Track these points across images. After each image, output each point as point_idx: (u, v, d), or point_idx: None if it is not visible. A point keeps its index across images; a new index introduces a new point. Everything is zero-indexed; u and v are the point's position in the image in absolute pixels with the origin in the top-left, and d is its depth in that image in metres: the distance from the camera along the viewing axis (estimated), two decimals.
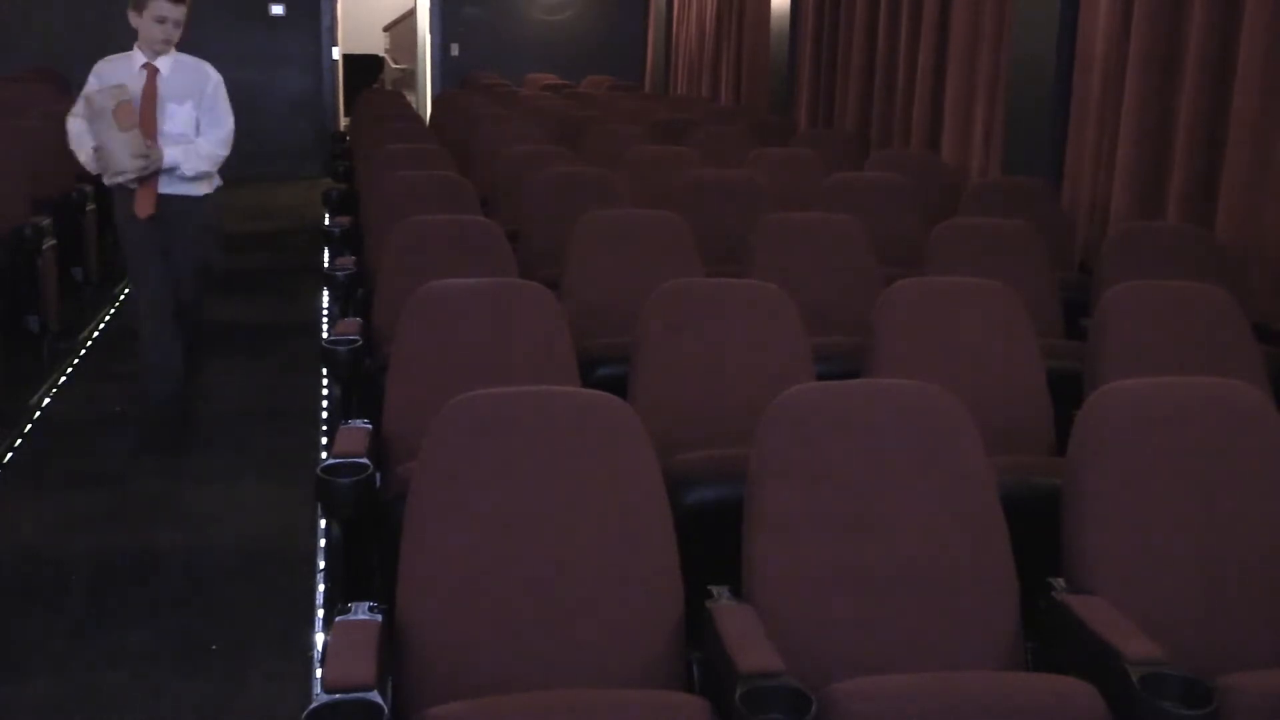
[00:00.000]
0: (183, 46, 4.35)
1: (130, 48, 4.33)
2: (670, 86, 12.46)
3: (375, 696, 1.86)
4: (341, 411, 3.49)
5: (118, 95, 4.10)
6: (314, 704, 1.84)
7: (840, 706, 1.94)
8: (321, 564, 3.57)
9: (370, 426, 2.92)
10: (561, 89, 11.08)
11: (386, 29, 16.84)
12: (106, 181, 4.31)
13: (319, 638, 3.22)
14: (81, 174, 5.06)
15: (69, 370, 5.45)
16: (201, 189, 4.39)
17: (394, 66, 16.50)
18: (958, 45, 6.25)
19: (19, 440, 4.59)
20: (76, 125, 4.30)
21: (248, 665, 3.10)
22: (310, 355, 5.49)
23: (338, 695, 1.85)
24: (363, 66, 15.11)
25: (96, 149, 4.19)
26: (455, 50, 12.86)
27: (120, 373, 5.26)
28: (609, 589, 2.17)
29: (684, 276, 3.43)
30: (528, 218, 4.77)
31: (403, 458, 2.78)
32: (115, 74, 4.26)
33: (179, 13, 4.25)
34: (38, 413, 4.90)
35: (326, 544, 2.98)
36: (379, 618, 2.08)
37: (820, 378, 2.91)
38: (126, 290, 6.53)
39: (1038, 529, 2.35)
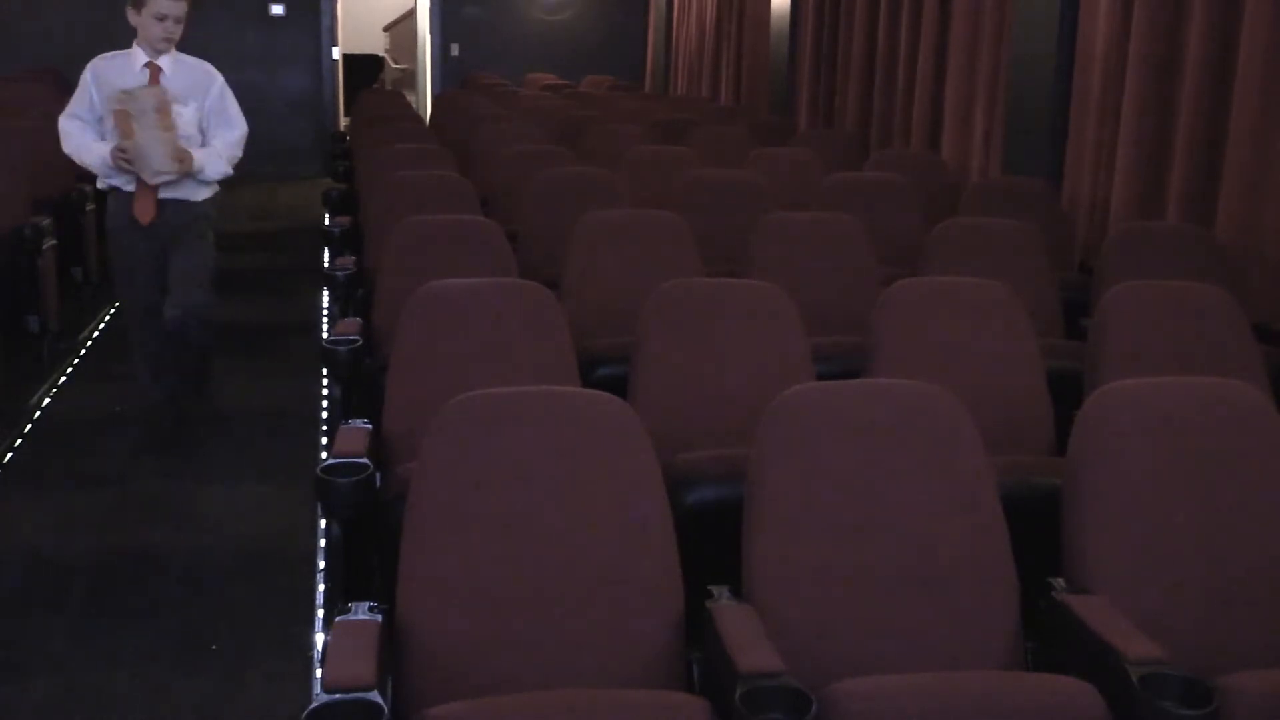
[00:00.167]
0: (182, 47, 4.26)
1: (129, 46, 4.23)
2: (670, 86, 12.47)
3: (375, 696, 1.86)
4: (341, 411, 3.48)
5: (159, 95, 4.05)
6: (314, 704, 1.84)
7: (840, 706, 1.94)
8: (321, 564, 3.57)
9: (370, 426, 2.91)
10: (561, 89, 11.07)
11: (386, 29, 16.85)
12: (103, 184, 4.26)
13: (319, 638, 3.22)
14: (81, 174, 5.05)
15: (69, 370, 5.45)
16: (202, 193, 4.31)
17: (394, 66, 16.51)
18: (958, 45, 6.25)
19: (19, 440, 4.58)
20: (73, 125, 4.21)
21: (248, 665, 3.10)
22: (310, 355, 5.49)
23: (338, 695, 1.85)
24: (363, 66, 15.11)
25: (121, 150, 4.05)
26: (455, 50, 12.87)
27: (120, 373, 5.24)
28: (609, 589, 2.16)
29: (684, 277, 3.43)
30: (528, 218, 4.77)
31: (403, 458, 2.78)
32: (114, 73, 4.16)
33: (180, 10, 4.12)
34: (38, 413, 4.89)
35: (326, 544, 2.97)
36: (379, 618, 2.08)
37: (820, 378, 2.91)
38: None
39: (1038, 529, 2.36)
